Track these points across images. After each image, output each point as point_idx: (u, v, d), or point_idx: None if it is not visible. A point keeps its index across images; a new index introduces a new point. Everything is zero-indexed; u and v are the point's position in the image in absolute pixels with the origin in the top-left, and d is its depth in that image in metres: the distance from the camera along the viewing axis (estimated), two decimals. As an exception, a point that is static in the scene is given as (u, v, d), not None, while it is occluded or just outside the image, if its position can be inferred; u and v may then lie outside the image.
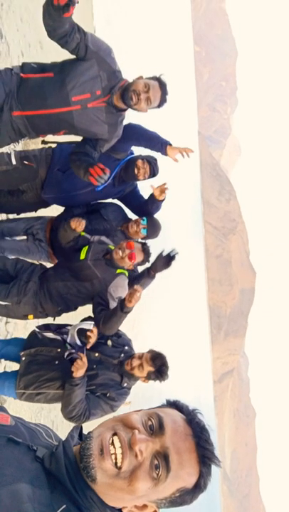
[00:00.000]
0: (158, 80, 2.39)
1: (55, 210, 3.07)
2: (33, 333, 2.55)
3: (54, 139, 2.76)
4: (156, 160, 2.85)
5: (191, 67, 57.69)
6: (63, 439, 0.90)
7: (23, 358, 2.41)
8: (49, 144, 2.84)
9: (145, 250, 2.68)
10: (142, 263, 2.71)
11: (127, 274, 2.64)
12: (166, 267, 2.73)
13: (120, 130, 2.52)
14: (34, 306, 2.54)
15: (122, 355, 2.43)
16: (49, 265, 2.84)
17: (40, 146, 2.89)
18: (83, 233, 2.63)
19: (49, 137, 2.74)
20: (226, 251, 44.63)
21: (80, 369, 2.19)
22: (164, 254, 2.73)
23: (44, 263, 2.87)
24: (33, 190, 2.79)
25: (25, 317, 2.63)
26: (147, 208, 2.86)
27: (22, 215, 3.03)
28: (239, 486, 56.48)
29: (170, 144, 2.67)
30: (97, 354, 2.38)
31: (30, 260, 2.85)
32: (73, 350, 2.32)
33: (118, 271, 2.57)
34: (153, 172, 2.82)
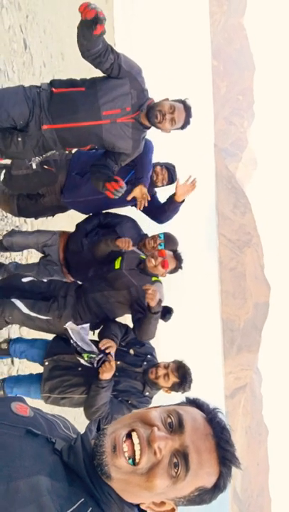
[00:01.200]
0: (183, 103, 2.47)
1: (70, 218, 3.09)
2: (56, 338, 2.59)
3: None
4: (174, 167, 2.87)
5: (208, 80, 58.27)
6: (81, 432, 0.90)
7: (46, 363, 2.43)
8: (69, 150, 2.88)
9: (177, 257, 2.65)
10: (174, 270, 2.66)
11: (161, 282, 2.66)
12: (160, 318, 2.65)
13: (142, 146, 2.58)
14: (74, 319, 2.55)
15: (145, 363, 2.45)
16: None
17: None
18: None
19: None
20: (240, 264, 44.26)
21: (107, 372, 2.19)
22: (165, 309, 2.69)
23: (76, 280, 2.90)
24: (52, 194, 2.82)
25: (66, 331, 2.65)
26: (164, 210, 2.85)
27: (36, 226, 3.06)
28: (250, 507, 54.86)
29: (143, 184, 2.67)
30: (118, 362, 2.38)
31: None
32: (101, 355, 2.29)
33: (153, 279, 2.59)
34: (171, 179, 2.83)
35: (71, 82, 2.38)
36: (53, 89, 2.33)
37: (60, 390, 2.36)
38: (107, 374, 2.19)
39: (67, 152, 2.86)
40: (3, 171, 2.74)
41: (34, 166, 2.70)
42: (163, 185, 2.86)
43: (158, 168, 2.80)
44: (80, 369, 2.36)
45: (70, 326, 2.35)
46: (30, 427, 0.81)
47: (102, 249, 2.67)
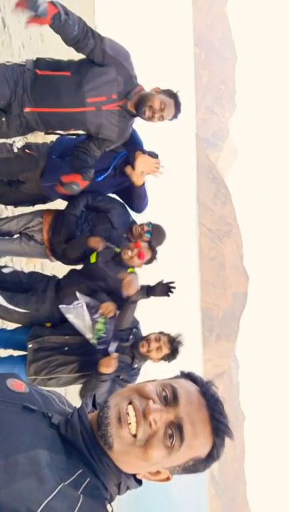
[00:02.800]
0: (174, 97, 2.40)
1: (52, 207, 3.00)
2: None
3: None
4: (157, 155, 2.80)
5: (190, 68, 57.86)
6: (77, 406, 0.91)
7: (30, 346, 2.42)
8: (51, 139, 2.81)
9: (152, 248, 2.69)
10: (150, 261, 2.71)
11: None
12: (163, 296, 2.74)
13: (128, 134, 2.53)
14: (52, 313, 2.55)
15: (131, 337, 2.50)
16: (57, 274, 2.84)
17: (46, 139, 2.85)
18: None
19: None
20: (220, 254, 44.72)
21: (107, 367, 2.20)
22: (164, 282, 2.75)
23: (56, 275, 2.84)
24: (32, 181, 2.73)
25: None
26: (132, 198, 2.79)
27: (16, 212, 2.98)
28: (226, 489, 56.54)
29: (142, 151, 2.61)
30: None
31: (42, 272, 2.86)
32: (102, 347, 2.29)
33: (129, 270, 2.62)
34: None
35: (57, 65, 2.29)
36: (37, 70, 2.24)
37: (47, 371, 2.35)
38: (109, 369, 2.19)
39: (48, 142, 2.79)
40: None
41: (16, 150, 2.61)
42: (147, 174, 2.81)
43: (138, 153, 2.74)
44: (66, 349, 2.36)
45: (63, 308, 2.36)
46: (27, 403, 0.83)
47: (73, 249, 2.66)
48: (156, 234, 2.81)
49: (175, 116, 2.45)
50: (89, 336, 2.33)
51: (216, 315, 45.07)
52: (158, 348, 2.44)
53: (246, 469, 65.34)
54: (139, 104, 2.32)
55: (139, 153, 2.55)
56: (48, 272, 2.92)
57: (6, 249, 2.87)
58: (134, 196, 2.78)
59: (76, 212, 2.80)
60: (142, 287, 2.79)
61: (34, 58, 2.34)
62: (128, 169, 2.61)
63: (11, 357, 2.58)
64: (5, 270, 2.62)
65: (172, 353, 2.46)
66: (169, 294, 2.72)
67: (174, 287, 2.72)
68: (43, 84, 2.25)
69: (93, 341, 2.31)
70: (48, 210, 2.96)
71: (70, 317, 2.35)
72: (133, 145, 2.64)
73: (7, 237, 2.87)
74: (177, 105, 2.41)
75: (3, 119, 2.29)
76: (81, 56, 2.34)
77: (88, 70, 2.25)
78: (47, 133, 2.79)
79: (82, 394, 2.32)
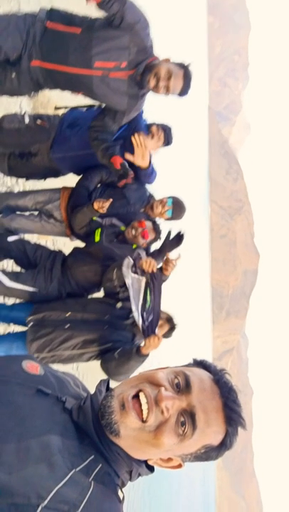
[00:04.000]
0: (184, 69, 2.21)
1: (64, 183, 2.93)
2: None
3: (67, 101, 2.70)
4: (170, 128, 2.69)
5: (204, 38, 55.69)
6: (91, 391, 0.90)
7: (30, 325, 2.39)
8: (61, 110, 2.74)
9: (156, 229, 2.65)
10: (153, 241, 2.69)
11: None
12: (176, 247, 2.67)
13: (141, 105, 2.38)
14: (59, 292, 2.53)
15: (132, 314, 2.45)
16: (67, 251, 2.80)
17: (54, 112, 2.78)
18: (95, 218, 2.59)
19: (61, 104, 2.66)
20: (230, 231, 44.31)
21: (152, 347, 2.22)
22: (172, 234, 2.68)
23: (62, 250, 2.80)
24: (44, 153, 2.66)
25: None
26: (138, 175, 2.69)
27: (29, 188, 2.91)
28: (234, 460, 58.21)
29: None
30: (107, 316, 2.41)
31: (49, 247, 2.78)
32: (148, 319, 2.28)
33: (134, 246, 2.59)
34: (167, 140, 2.67)
35: (69, 19, 2.14)
36: (48, 22, 2.10)
37: (50, 348, 2.34)
38: (151, 349, 2.22)
39: (60, 113, 2.71)
40: None
41: (27, 120, 2.52)
42: (158, 147, 2.69)
43: (154, 128, 2.62)
44: (67, 326, 2.35)
45: (124, 270, 2.29)
46: (41, 386, 0.83)
47: (80, 219, 2.57)
48: (177, 210, 2.72)
49: (184, 91, 2.27)
50: (138, 306, 2.28)
51: (226, 292, 45.12)
52: (160, 325, 2.45)
53: (254, 441, 66.99)
54: (145, 72, 2.17)
55: (135, 138, 2.43)
56: (57, 247, 2.88)
57: (26, 226, 2.77)
58: (141, 174, 2.69)
59: (89, 185, 2.72)
60: (153, 253, 2.76)
61: (48, 8, 2.18)
62: (128, 156, 2.51)
63: (9, 334, 2.56)
64: (10, 239, 2.58)
65: (171, 330, 2.52)
66: (181, 240, 2.64)
67: (183, 233, 2.64)
68: (51, 39, 2.12)
69: (136, 314, 2.27)
70: (66, 188, 2.87)
71: (128, 282, 2.29)
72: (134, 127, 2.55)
73: (27, 213, 2.80)
74: (187, 78, 2.23)
75: (14, 74, 2.18)
76: (96, 13, 2.17)
77: (100, 31, 2.10)
78: (56, 108, 2.71)
79: (116, 371, 2.28)
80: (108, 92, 2.24)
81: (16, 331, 2.55)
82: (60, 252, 2.73)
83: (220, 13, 63.33)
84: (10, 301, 2.79)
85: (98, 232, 2.60)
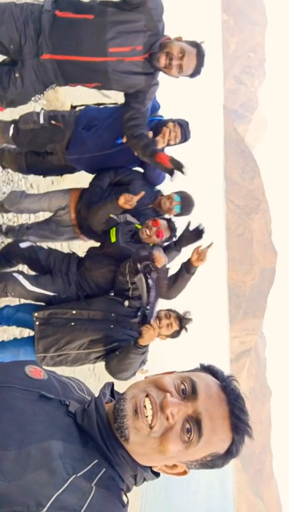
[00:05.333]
0: (197, 47, 2.17)
1: (76, 184, 2.97)
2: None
3: (82, 102, 2.67)
4: (187, 123, 2.64)
5: (218, 36, 55.22)
6: (96, 394, 0.90)
7: (36, 323, 2.38)
8: (78, 108, 2.72)
9: (171, 227, 2.62)
10: (168, 240, 2.66)
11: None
12: (195, 241, 2.63)
13: (156, 87, 2.32)
14: (77, 296, 2.53)
15: (139, 313, 2.46)
16: (80, 253, 2.80)
17: (69, 109, 2.78)
18: (111, 215, 2.57)
19: (77, 102, 2.64)
20: (247, 230, 43.82)
21: (149, 339, 2.19)
22: (191, 228, 2.63)
23: (76, 252, 2.82)
24: (59, 152, 2.68)
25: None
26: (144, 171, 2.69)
27: (42, 191, 2.95)
28: (252, 462, 57.54)
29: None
30: (113, 314, 2.39)
31: (60, 250, 2.83)
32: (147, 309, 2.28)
33: (151, 245, 2.57)
34: (185, 136, 2.62)
35: (78, 7, 2.07)
36: (58, 12, 2.03)
37: (56, 348, 2.33)
38: (148, 341, 2.18)
39: (75, 110, 2.70)
40: (12, 126, 2.61)
41: (42, 121, 2.52)
42: (175, 144, 2.62)
43: (170, 124, 2.56)
44: (72, 324, 2.33)
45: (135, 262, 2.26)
46: (44, 391, 0.82)
47: (101, 216, 2.55)
48: (186, 206, 2.68)
49: (197, 70, 2.20)
50: (145, 298, 2.28)
51: (243, 292, 44.63)
52: (168, 324, 2.44)
53: (272, 443, 66.08)
54: (156, 52, 2.10)
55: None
56: (72, 249, 2.90)
57: (38, 233, 2.87)
58: (149, 175, 2.69)
59: (102, 184, 2.75)
60: (169, 246, 2.73)
61: None
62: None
63: (16, 340, 2.56)
64: (22, 245, 2.59)
65: (180, 330, 2.48)
66: (201, 235, 2.59)
67: (203, 228, 2.59)
68: (62, 28, 2.04)
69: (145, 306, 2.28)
70: (74, 189, 2.92)
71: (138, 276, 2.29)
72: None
73: (37, 224, 2.87)
74: (200, 56, 2.16)
75: (17, 74, 2.11)
76: None
77: (114, 15, 2.03)
78: (72, 107, 2.70)
79: (118, 369, 2.28)
80: (123, 77, 2.19)
81: (23, 337, 2.56)
82: (73, 254, 2.72)
83: (234, 11, 62.66)
84: (14, 301, 2.81)
85: (113, 232, 2.57)
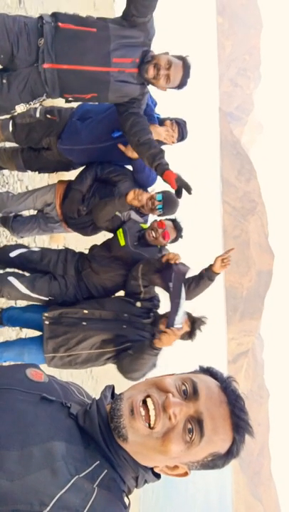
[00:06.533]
0: (183, 60, 2.27)
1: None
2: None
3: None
4: (185, 122, 2.65)
5: (213, 39, 55.54)
6: (96, 397, 0.90)
7: (46, 322, 2.33)
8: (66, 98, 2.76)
9: (177, 227, 2.58)
10: (175, 240, 2.61)
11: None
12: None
13: (146, 98, 2.40)
14: (76, 298, 2.48)
15: (152, 314, 2.43)
16: (70, 248, 2.76)
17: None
18: (117, 212, 2.52)
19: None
20: (244, 232, 43.94)
21: (167, 344, 2.14)
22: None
23: (69, 248, 2.80)
24: (54, 147, 2.68)
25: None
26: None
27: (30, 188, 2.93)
28: (250, 464, 57.48)
29: None
30: (125, 314, 2.36)
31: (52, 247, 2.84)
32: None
33: (158, 246, 2.56)
34: (182, 135, 2.62)
35: (80, 20, 2.15)
36: (60, 23, 2.09)
37: (66, 348, 2.27)
38: (165, 345, 2.14)
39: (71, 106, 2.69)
40: (11, 122, 2.63)
41: (38, 115, 2.54)
42: (173, 143, 2.62)
43: (168, 122, 2.57)
44: (84, 323, 2.29)
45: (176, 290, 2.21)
46: (45, 393, 0.83)
47: (108, 212, 2.48)
48: (168, 203, 2.62)
49: (183, 81, 2.29)
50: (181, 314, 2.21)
51: (240, 294, 44.72)
52: None
53: (270, 444, 66.05)
54: (144, 64, 2.20)
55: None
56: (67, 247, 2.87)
57: (28, 229, 2.89)
58: (135, 170, 2.66)
59: (82, 187, 2.70)
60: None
61: (49, 13, 2.18)
62: (121, 147, 2.50)
63: (20, 339, 2.53)
64: (12, 255, 2.55)
65: (192, 332, 2.38)
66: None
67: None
68: (66, 39, 2.10)
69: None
70: (60, 182, 2.89)
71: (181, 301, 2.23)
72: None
73: (26, 222, 2.88)
74: (186, 67, 2.26)
75: (4, 80, 2.12)
76: (101, 15, 2.24)
77: (116, 30, 2.14)
78: (67, 101, 2.73)
79: (130, 369, 2.24)
80: (122, 85, 2.25)
81: (28, 337, 2.53)
82: (69, 252, 2.64)
83: (229, 14, 63.04)
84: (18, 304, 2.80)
85: (121, 234, 2.52)
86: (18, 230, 2.88)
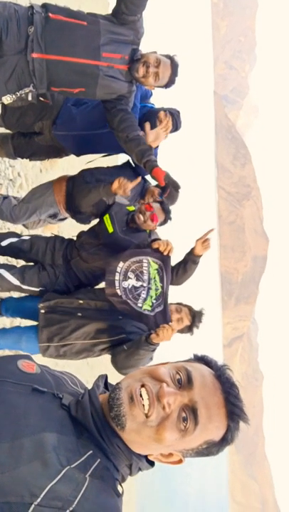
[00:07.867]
0: (171, 59, 2.31)
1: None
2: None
3: None
4: (178, 112, 2.64)
5: (208, 19, 54.43)
6: (89, 386, 0.90)
7: (42, 311, 2.32)
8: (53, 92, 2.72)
9: (165, 209, 2.54)
10: (164, 222, 2.59)
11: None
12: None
13: (135, 90, 2.40)
14: (66, 286, 2.47)
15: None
16: (61, 235, 2.74)
17: None
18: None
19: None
20: (239, 217, 44.02)
21: (164, 339, 2.12)
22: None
23: (59, 236, 2.75)
24: (47, 131, 2.64)
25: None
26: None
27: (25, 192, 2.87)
28: (245, 444, 58.90)
29: None
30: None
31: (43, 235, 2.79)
32: (158, 310, 2.22)
33: (148, 231, 2.55)
34: (176, 125, 2.61)
35: (71, 13, 2.13)
36: (50, 14, 2.07)
37: (60, 337, 2.26)
38: (163, 340, 2.12)
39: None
40: (0, 105, 2.56)
41: (30, 98, 2.54)
42: (167, 134, 2.59)
43: (162, 113, 2.56)
44: (79, 314, 2.28)
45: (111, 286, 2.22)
46: (37, 385, 0.83)
47: (92, 199, 2.49)
48: (169, 197, 2.65)
49: (172, 80, 2.33)
50: (141, 307, 2.22)
51: (235, 279, 45.06)
52: (179, 319, 2.36)
53: (264, 425, 67.60)
54: (134, 63, 2.22)
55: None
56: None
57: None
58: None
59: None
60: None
61: (39, 4, 2.15)
62: (146, 125, 2.48)
63: (18, 327, 2.52)
64: (2, 244, 2.52)
65: (192, 326, 2.37)
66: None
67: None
68: (56, 29, 2.07)
69: (147, 309, 2.22)
70: (59, 181, 2.81)
71: (123, 295, 2.22)
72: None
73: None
74: (174, 66, 2.30)
75: None
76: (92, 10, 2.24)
77: (106, 26, 2.14)
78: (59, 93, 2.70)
79: (124, 365, 2.22)
80: (111, 81, 2.25)
81: (25, 325, 2.52)
82: (56, 239, 2.61)
83: (225, -7, 61.68)
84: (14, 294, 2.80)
85: (108, 220, 2.47)
86: (18, 217, 2.86)
